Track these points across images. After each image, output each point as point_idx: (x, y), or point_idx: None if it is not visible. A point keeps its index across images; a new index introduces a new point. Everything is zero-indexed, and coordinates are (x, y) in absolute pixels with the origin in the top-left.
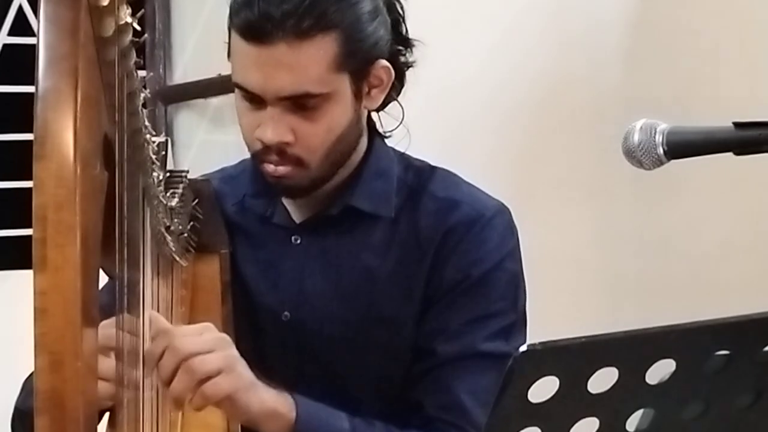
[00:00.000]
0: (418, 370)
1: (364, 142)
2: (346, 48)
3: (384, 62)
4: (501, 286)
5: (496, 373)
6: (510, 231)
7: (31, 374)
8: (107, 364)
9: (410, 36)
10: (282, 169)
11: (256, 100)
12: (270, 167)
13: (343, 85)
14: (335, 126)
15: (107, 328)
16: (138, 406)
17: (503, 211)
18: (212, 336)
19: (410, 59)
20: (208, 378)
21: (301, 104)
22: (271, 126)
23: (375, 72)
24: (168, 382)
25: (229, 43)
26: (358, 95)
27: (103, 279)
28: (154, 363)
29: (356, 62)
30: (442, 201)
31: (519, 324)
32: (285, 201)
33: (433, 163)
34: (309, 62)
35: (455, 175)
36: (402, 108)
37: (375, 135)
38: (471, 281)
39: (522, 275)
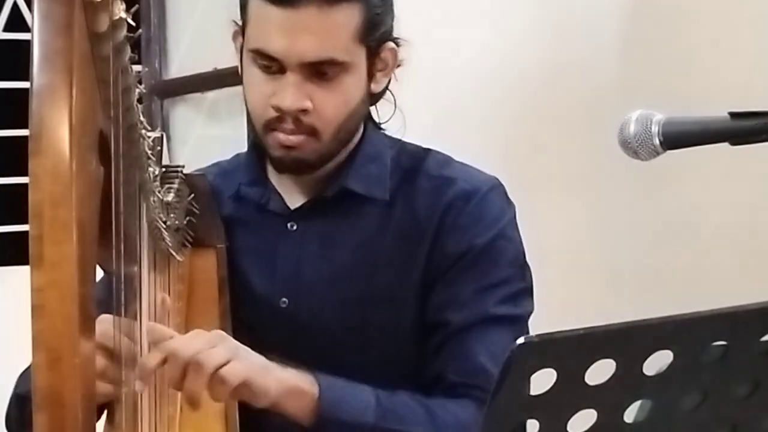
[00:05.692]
0: (434, 344)
1: (360, 127)
2: (367, 20)
3: (392, 44)
4: (506, 253)
5: (510, 334)
6: (507, 202)
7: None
8: (104, 361)
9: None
10: (294, 139)
11: (274, 67)
12: (282, 136)
13: (361, 58)
14: (350, 99)
15: (104, 324)
16: (136, 403)
17: (498, 185)
18: (208, 335)
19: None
20: (218, 372)
21: (321, 72)
22: (291, 92)
23: (383, 54)
24: (179, 386)
25: (244, 11)
26: (369, 73)
27: (100, 275)
28: (152, 371)
29: (374, 37)
30: (436, 179)
31: (527, 291)
32: (280, 188)
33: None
34: (336, 28)
35: (447, 155)
36: (394, 96)
37: (369, 122)
38: (475, 252)
39: (522, 247)
